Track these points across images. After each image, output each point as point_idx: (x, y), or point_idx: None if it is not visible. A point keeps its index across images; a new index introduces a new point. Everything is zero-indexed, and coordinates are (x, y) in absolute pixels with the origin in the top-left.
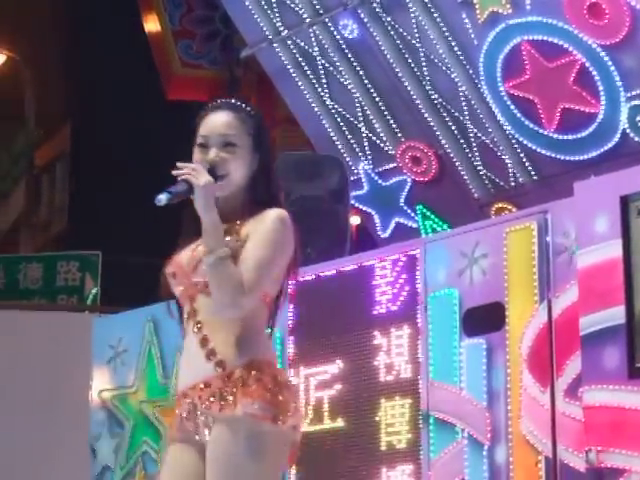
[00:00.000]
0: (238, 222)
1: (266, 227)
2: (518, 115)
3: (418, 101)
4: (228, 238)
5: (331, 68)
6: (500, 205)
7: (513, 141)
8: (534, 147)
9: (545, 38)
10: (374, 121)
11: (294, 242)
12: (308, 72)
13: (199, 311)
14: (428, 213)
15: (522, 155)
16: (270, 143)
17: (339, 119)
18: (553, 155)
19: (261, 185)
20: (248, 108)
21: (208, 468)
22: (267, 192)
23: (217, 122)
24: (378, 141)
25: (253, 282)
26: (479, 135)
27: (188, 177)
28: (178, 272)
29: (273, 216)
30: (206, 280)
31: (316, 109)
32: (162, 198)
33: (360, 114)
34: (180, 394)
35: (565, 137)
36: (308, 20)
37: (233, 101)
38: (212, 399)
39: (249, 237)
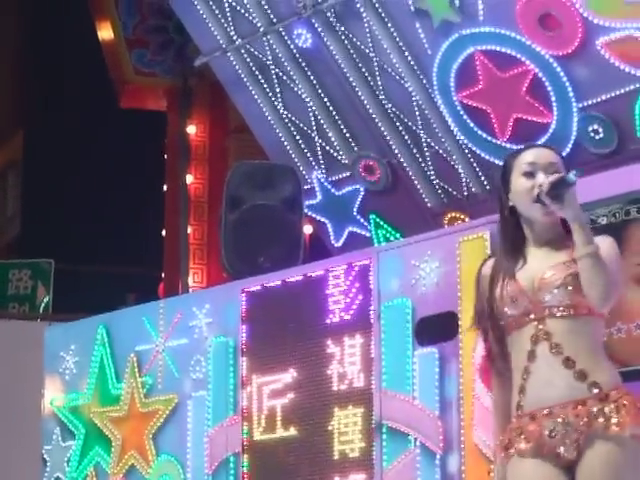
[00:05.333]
0: (564, 250)
1: (609, 247)
2: (471, 125)
3: (371, 110)
4: (570, 262)
5: (285, 77)
6: (453, 215)
7: (466, 151)
8: (487, 157)
9: (498, 48)
10: (327, 130)
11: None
12: (262, 81)
13: (553, 334)
14: (381, 222)
15: (475, 165)
16: None
17: (292, 128)
18: None
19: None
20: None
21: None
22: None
23: (543, 152)
24: (331, 150)
25: (616, 281)
26: (432, 144)
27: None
28: (519, 296)
29: (609, 240)
30: (560, 306)
31: (270, 118)
32: (573, 175)
33: (314, 123)
34: (540, 412)
35: (518, 147)
36: (262, 29)
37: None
38: (590, 418)
39: None
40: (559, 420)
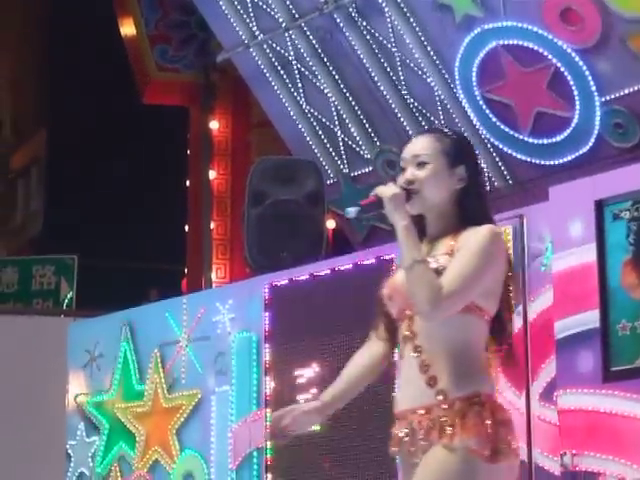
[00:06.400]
0: (451, 238)
1: (476, 239)
2: (493, 119)
3: (394, 105)
4: (443, 255)
5: (307, 72)
6: None
7: (488, 145)
8: (509, 151)
9: (520, 43)
10: (350, 125)
11: (507, 258)
12: (284, 76)
13: (418, 334)
14: None
15: (497, 159)
16: (479, 163)
17: (315, 123)
18: (528, 159)
19: (470, 202)
20: (447, 131)
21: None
22: (478, 210)
23: (412, 145)
24: (354, 145)
25: (452, 286)
26: None
27: (378, 191)
28: (394, 294)
29: (484, 229)
30: None
31: (292, 113)
32: (351, 211)
33: (336, 118)
34: (399, 414)
35: (540, 141)
36: (284, 25)
37: (434, 127)
38: (431, 426)
39: (459, 251)
40: (407, 425)
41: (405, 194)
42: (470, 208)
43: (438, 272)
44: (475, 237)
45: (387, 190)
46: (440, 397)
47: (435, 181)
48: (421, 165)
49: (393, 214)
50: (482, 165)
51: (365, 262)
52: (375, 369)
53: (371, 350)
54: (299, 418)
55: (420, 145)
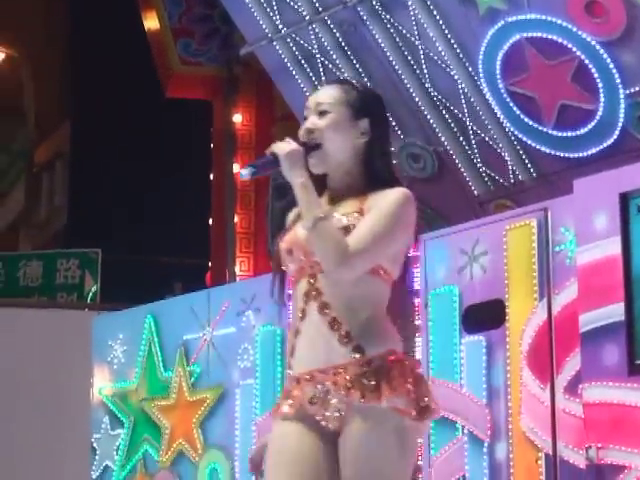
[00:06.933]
0: (359, 198)
1: (388, 201)
2: (517, 112)
3: (417, 98)
4: (352, 213)
5: (330, 66)
6: (500, 202)
7: (512, 138)
8: (533, 144)
9: (544, 35)
10: None
11: (416, 224)
12: (307, 69)
13: (323, 291)
14: (427, 211)
15: (521, 152)
16: (386, 120)
17: None
18: (553, 152)
19: (376, 161)
20: (356, 83)
21: (350, 460)
22: (384, 170)
23: (317, 93)
24: None
25: (361, 244)
26: (478, 132)
27: (273, 148)
28: (295, 248)
29: (398, 192)
30: None
31: None
32: (245, 173)
33: None
34: (302, 375)
35: (564, 134)
36: (308, 18)
37: (344, 78)
38: (350, 386)
39: (369, 211)
40: (319, 387)
41: (305, 150)
42: (376, 168)
43: (348, 230)
44: (387, 199)
45: (284, 147)
46: (357, 355)
47: (335, 131)
48: (323, 114)
49: (289, 172)
50: (390, 124)
51: None
52: None
53: None
54: None
55: (325, 94)
